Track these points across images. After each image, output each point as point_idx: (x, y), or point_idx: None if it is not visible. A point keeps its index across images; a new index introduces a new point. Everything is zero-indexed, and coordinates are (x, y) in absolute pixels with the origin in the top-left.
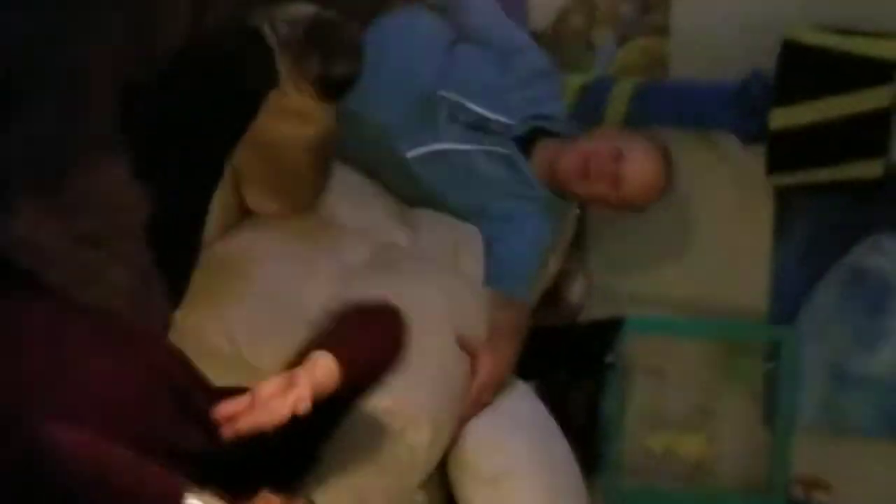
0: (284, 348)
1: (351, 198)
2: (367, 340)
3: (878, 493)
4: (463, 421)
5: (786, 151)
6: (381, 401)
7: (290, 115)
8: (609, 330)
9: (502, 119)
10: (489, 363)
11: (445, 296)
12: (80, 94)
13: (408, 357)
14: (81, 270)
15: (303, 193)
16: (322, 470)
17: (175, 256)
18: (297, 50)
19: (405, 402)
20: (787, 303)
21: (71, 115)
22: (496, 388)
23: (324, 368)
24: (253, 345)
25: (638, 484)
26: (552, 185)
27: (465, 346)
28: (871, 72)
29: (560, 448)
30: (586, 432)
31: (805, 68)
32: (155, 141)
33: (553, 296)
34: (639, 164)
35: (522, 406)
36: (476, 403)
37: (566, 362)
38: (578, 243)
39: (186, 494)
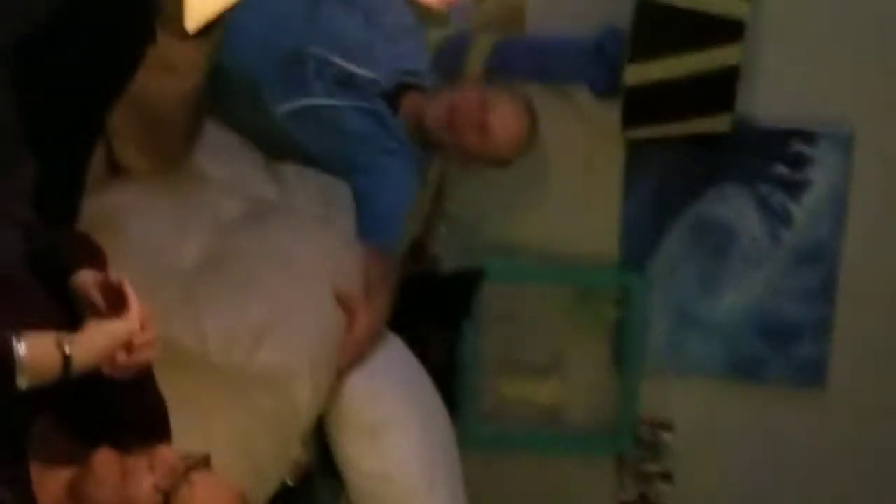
0: (159, 304)
1: (220, 153)
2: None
3: (718, 429)
4: (341, 373)
5: (639, 106)
6: (264, 356)
7: (163, 69)
8: (471, 280)
9: (369, 74)
10: (366, 316)
11: (320, 249)
12: None
13: (286, 313)
14: None
15: (173, 148)
16: (209, 427)
17: (57, 217)
18: None
19: (286, 356)
20: (636, 250)
21: None
22: (373, 341)
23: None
24: None
25: (494, 428)
26: (419, 139)
27: (342, 300)
28: (721, 30)
29: (430, 396)
30: (444, 380)
31: (658, 25)
32: (36, 102)
33: (416, 246)
34: (505, 113)
35: (395, 357)
36: (354, 355)
37: (429, 312)
38: (438, 194)
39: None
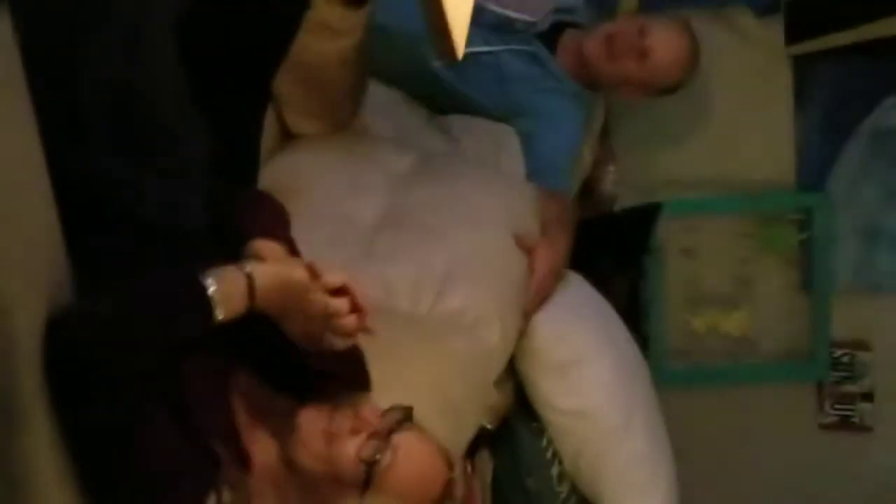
0: (344, 263)
1: (386, 110)
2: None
3: None
4: (528, 314)
5: (802, 19)
6: (450, 302)
7: (323, 31)
8: (647, 217)
9: (524, 17)
10: (546, 257)
11: (495, 195)
12: (141, 37)
13: (467, 259)
14: (170, 203)
15: (341, 109)
16: (406, 374)
17: (236, 184)
18: None
19: (472, 301)
20: (813, 169)
21: (133, 57)
22: (556, 280)
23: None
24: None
25: (686, 364)
26: (580, 76)
27: (521, 243)
28: None
29: (619, 331)
30: (630, 317)
31: None
32: (203, 73)
33: (587, 187)
34: (663, 36)
35: (580, 295)
36: (539, 296)
37: (608, 252)
38: (606, 132)
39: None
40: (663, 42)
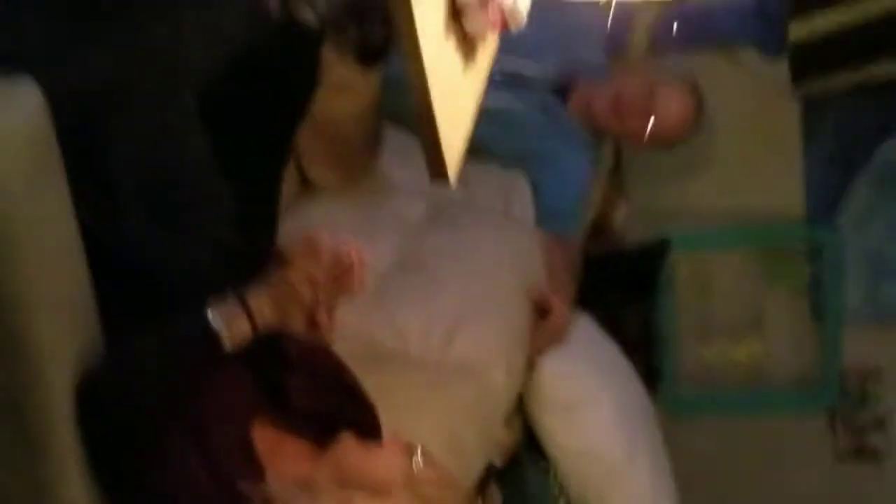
0: (358, 305)
1: (400, 158)
2: None
3: None
4: (537, 355)
5: (808, 60)
6: (459, 346)
7: (338, 89)
8: (657, 251)
9: (537, 70)
10: (559, 304)
11: (504, 242)
12: (168, 110)
13: (476, 305)
14: (193, 261)
15: (357, 160)
16: (415, 419)
17: (258, 236)
18: (335, 26)
19: (480, 345)
20: (822, 203)
21: (161, 129)
22: (566, 327)
23: None
24: None
25: (699, 393)
26: (588, 125)
27: (538, 296)
28: None
29: (623, 370)
30: (642, 349)
31: None
32: (230, 134)
33: (598, 225)
34: (670, 98)
35: (585, 336)
36: (552, 341)
37: (619, 286)
38: (616, 172)
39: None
40: (670, 104)
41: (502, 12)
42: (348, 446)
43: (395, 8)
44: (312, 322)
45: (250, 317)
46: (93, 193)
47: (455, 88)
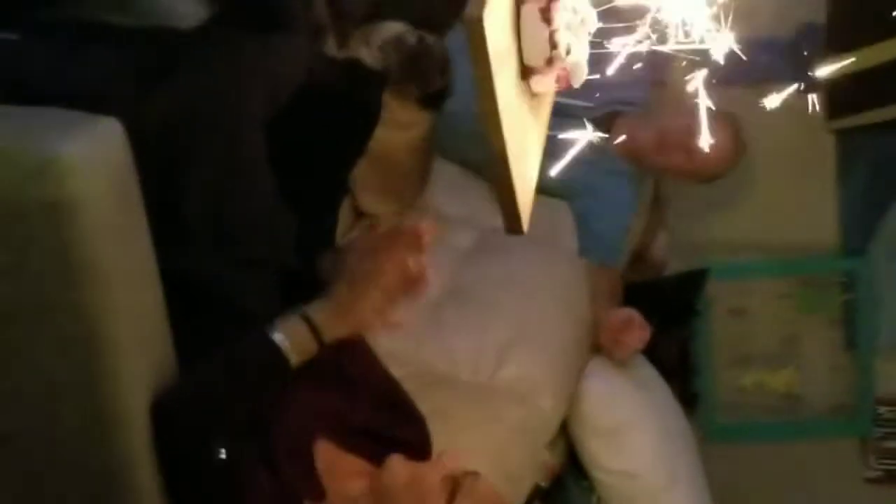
0: (412, 332)
1: (451, 189)
2: None
3: None
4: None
5: (844, 97)
6: (508, 371)
7: (394, 126)
8: (695, 280)
9: (586, 105)
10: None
11: (552, 270)
12: (237, 147)
13: (525, 330)
14: (260, 289)
15: (409, 190)
16: (464, 440)
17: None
18: (395, 77)
19: (528, 369)
20: (856, 235)
21: (231, 165)
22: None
23: None
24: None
25: (734, 420)
26: (631, 158)
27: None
28: None
29: (665, 395)
30: (680, 376)
31: (854, 17)
32: (290, 170)
33: (639, 255)
34: (712, 134)
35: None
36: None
37: (658, 314)
38: (656, 203)
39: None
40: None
41: (567, 71)
42: (397, 466)
43: (480, 86)
44: (382, 315)
45: (313, 330)
46: (166, 228)
47: (526, 145)
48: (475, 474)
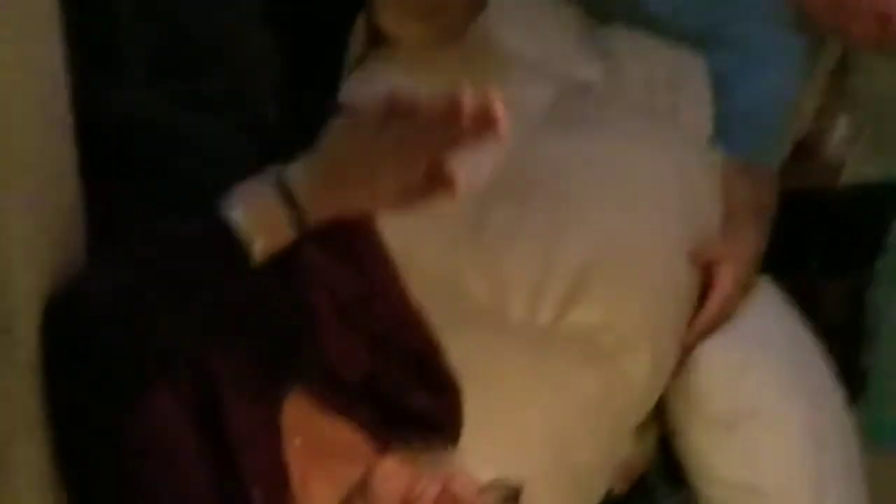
0: (444, 240)
1: (522, 18)
2: None
3: None
4: (693, 342)
5: None
6: (584, 313)
7: None
8: (885, 199)
9: None
10: (732, 264)
11: (665, 162)
12: None
13: (614, 253)
14: (211, 144)
15: (453, 9)
16: (516, 419)
17: (309, 113)
18: None
19: (616, 316)
20: None
21: None
22: (738, 301)
23: None
24: None
25: None
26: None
27: (699, 258)
28: None
29: (817, 371)
30: (845, 342)
31: None
32: None
33: (806, 149)
34: None
35: (769, 318)
36: (713, 322)
37: (821, 247)
38: (839, 75)
39: None
40: None
41: None
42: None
43: None
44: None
45: (291, 204)
46: (91, 48)
47: None
48: (516, 492)
